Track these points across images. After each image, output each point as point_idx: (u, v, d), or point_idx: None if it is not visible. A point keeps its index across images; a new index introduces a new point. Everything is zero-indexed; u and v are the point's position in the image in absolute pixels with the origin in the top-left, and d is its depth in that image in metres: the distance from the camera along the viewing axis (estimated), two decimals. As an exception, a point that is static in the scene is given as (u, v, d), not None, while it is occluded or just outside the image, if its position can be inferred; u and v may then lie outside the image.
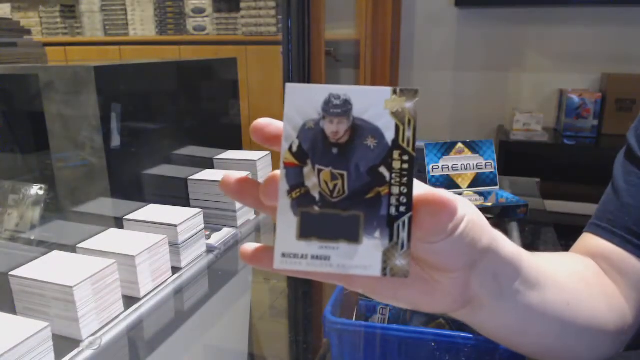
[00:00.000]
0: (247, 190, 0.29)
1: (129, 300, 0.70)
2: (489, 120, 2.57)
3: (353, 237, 0.26)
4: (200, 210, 0.84)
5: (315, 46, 1.56)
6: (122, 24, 2.88)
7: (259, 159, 1.06)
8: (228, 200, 0.96)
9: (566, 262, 0.50)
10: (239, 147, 1.20)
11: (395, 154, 0.26)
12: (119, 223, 0.81)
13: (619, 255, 0.48)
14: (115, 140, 0.79)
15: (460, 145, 1.23)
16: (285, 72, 1.54)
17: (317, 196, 0.26)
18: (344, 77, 2.63)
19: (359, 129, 0.26)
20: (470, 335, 0.70)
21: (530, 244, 1.18)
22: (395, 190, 0.26)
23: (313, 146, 0.26)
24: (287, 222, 0.26)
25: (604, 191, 0.63)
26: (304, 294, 1.00)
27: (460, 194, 1.15)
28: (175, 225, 0.78)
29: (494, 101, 2.54)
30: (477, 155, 1.24)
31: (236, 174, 0.29)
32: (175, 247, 0.79)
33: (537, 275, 0.38)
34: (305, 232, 0.26)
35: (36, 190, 0.81)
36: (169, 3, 2.74)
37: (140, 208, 0.84)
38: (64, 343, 0.60)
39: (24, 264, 0.63)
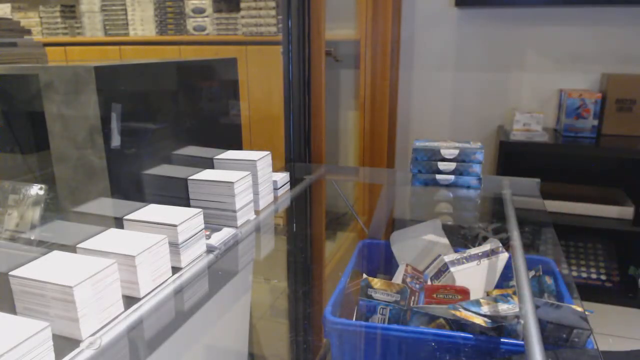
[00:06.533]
0: None
1: (129, 300, 0.70)
2: (489, 120, 2.57)
3: None
4: (200, 210, 0.84)
5: (315, 46, 1.56)
6: (122, 24, 2.88)
7: (259, 159, 1.06)
8: (228, 200, 0.96)
9: None
10: (239, 147, 1.20)
11: None
12: (119, 223, 0.81)
13: None
14: (115, 140, 0.79)
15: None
16: (285, 72, 1.54)
17: None
18: (344, 77, 2.63)
19: None
20: (470, 335, 0.70)
21: (530, 244, 1.19)
22: None
23: None
24: None
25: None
26: (304, 294, 1.00)
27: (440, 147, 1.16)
28: (175, 225, 0.78)
29: (494, 101, 2.54)
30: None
31: None
32: (175, 247, 0.79)
33: None
34: None
35: (36, 190, 0.81)
36: (169, 3, 2.73)
37: (140, 208, 0.84)
38: (64, 343, 0.60)
39: (24, 264, 0.63)
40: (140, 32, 2.83)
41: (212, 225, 0.97)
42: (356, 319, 0.84)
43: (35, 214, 0.80)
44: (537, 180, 1.37)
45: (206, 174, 0.99)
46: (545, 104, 2.48)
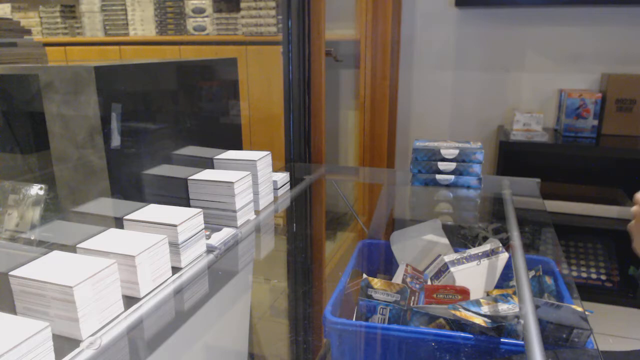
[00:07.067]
0: None
1: (129, 300, 0.70)
2: (489, 120, 2.57)
3: None
4: (200, 210, 0.84)
5: (315, 46, 1.56)
6: (122, 24, 2.88)
7: (259, 159, 1.06)
8: (228, 200, 0.96)
9: None
10: (239, 147, 1.20)
11: None
12: (119, 223, 0.81)
13: None
14: (115, 140, 0.79)
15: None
16: (285, 72, 1.54)
17: None
18: (344, 77, 2.63)
19: None
20: (470, 336, 0.70)
21: (530, 244, 1.19)
22: None
23: None
24: None
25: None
26: (304, 294, 1.00)
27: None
28: (175, 225, 0.78)
29: (494, 101, 2.54)
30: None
31: None
32: (175, 247, 0.79)
33: None
34: None
35: (36, 190, 0.81)
36: (169, 3, 2.73)
37: (140, 208, 0.84)
38: (64, 343, 0.60)
39: (24, 264, 0.63)
40: (140, 32, 2.83)
41: (212, 225, 0.97)
42: (356, 319, 0.84)
43: (35, 214, 0.80)
44: (537, 180, 1.37)
45: (206, 174, 0.99)
46: (545, 104, 2.48)
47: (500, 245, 0.95)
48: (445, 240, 1.04)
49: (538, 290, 0.88)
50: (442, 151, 1.27)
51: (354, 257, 0.98)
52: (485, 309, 0.73)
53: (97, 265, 0.63)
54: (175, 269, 0.79)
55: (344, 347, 0.76)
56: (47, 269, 0.62)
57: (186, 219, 0.80)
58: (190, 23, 2.70)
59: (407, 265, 0.94)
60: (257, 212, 1.06)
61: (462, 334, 0.71)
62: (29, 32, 1.20)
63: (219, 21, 2.66)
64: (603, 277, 2.27)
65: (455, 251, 1.00)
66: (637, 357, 0.93)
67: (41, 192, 0.81)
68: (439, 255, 0.95)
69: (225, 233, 0.94)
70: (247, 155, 1.07)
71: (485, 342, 0.69)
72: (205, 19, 2.68)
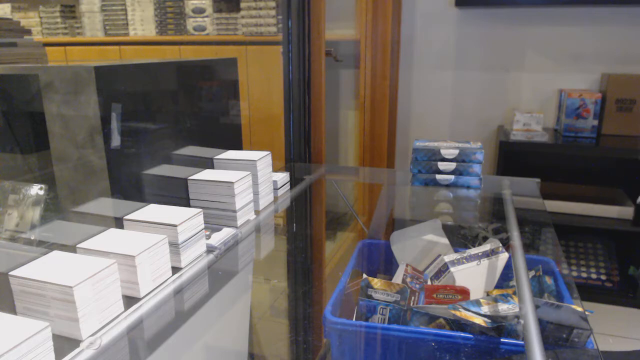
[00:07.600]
0: None
1: (129, 300, 0.70)
2: (489, 120, 2.57)
3: None
4: (200, 210, 0.84)
5: (315, 46, 1.56)
6: (122, 24, 2.88)
7: (259, 159, 1.06)
8: (228, 200, 0.96)
9: None
10: (239, 147, 1.20)
11: None
12: (119, 223, 0.81)
13: None
14: (115, 140, 0.79)
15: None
16: (285, 72, 1.54)
17: None
18: (344, 77, 2.63)
19: None
20: (470, 335, 0.70)
21: (530, 244, 1.19)
22: None
23: None
24: None
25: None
26: (304, 294, 1.00)
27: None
28: (175, 225, 0.78)
29: (494, 101, 2.54)
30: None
31: None
32: (175, 247, 0.79)
33: None
34: None
35: (36, 190, 0.81)
36: (169, 3, 2.73)
37: (140, 208, 0.84)
38: (64, 343, 0.60)
39: (24, 264, 0.63)
40: (140, 32, 2.83)
41: (212, 225, 0.97)
42: (356, 319, 0.84)
43: (35, 214, 0.80)
44: (537, 180, 1.37)
45: (206, 174, 0.99)
46: (545, 104, 2.48)
47: (500, 245, 0.95)
48: (445, 240, 1.04)
49: (538, 290, 0.88)
50: (442, 151, 1.27)
51: (354, 257, 0.98)
52: (485, 309, 0.73)
53: (97, 265, 0.63)
54: (175, 269, 0.79)
55: (344, 347, 0.76)
56: (47, 269, 0.62)
57: (186, 219, 0.80)
58: (190, 23, 2.70)
59: (407, 265, 0.94)
60: (257, 212, 1.06)
61: (462, 334, 0.71)
62: (29, 32, 1.20)
63: (219, 21, 2.66)
64: (603, 277, 2.27)
65: (455, 251, 1.00)
66: (637, 357, 0.94)
67: (41, 192, 0.81)
68: (439, 255, 0.95)
69: (225, 233, 0.94)
70: (247, 155, 1.07)
71: (485, 342, 0.69)
72: (205, 19, 2.67)
